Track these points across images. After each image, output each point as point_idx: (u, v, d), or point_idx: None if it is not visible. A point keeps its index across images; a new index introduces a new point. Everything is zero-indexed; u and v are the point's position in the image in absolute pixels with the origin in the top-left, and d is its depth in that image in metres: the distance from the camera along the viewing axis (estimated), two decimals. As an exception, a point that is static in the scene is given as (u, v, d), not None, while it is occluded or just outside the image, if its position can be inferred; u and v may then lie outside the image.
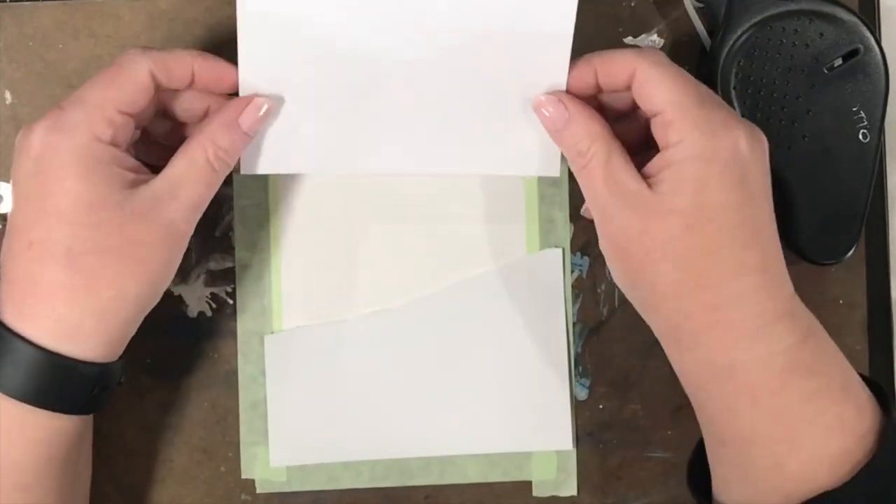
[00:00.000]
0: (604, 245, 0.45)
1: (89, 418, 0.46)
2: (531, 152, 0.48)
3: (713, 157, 0.42)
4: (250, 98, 0.46)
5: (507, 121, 0.47)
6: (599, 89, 0.46)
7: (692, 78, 0.44)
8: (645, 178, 0.43)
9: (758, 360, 0.42)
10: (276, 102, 0.46)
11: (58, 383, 0.43)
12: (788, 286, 0.44)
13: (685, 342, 0.44)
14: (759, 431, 0.43)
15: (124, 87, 0.44)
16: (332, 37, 0.45)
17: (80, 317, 0.43)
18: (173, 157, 0.45)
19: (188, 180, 0.44)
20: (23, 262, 0.43)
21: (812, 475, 0.42)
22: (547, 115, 0.46)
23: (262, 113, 0.46)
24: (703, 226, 0.42)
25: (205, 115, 0.47)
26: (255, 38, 0.45)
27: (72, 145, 0.42)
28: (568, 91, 0.46)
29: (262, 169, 0.48)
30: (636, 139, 0.46)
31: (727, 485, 0.45)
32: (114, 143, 0.43)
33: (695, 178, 0.42)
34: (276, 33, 0.45)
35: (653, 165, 0.43)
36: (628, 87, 0.45)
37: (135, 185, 0.43)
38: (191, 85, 0.46)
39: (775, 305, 0.42)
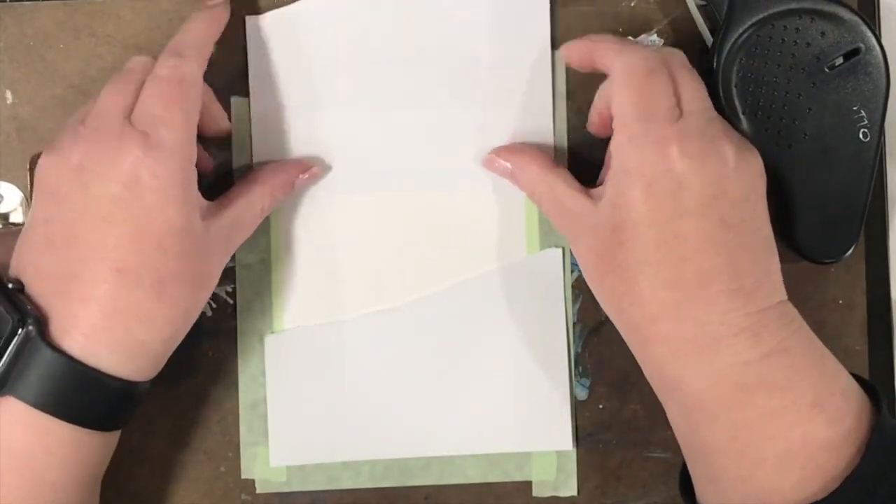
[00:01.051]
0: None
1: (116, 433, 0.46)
2: None
3: (640, 171, 0.42)
4: (308, 165, 0.50)
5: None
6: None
7: (649, 89, 0.43)
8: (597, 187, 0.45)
9: (707, 376, 0.42)
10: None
11: (107, 403, 0.43)
12: (760, 300, 0.42)
13: (637, 354, 0.45)
14: (720, 443, 0.42)
15: (196, 104, 0.44)
16: (332, 64, 0.50)
17: (154, 342, 0.43)
18: (232, 196, 0.46)
19: (244, 220, 0.47)
20: (106, 286, 0.41)
21: (779, 488, 0.41)
22: (495, 171, 0.49)
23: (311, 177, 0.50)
24: (632, 239, 0.42)
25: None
26: (262, 64, 0.50)
27: (172, 169, 0.42)
28: (567, 64, 0.49)
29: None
30: None
31: (704, 490, 0.45)
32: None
33: (623, 192, 0.42)
34: (281, 59, 0.50)
35: (601, 176, 0.44)
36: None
37: (203, 213, 0.44)
38: None
39: (727, 320, 0.41)
